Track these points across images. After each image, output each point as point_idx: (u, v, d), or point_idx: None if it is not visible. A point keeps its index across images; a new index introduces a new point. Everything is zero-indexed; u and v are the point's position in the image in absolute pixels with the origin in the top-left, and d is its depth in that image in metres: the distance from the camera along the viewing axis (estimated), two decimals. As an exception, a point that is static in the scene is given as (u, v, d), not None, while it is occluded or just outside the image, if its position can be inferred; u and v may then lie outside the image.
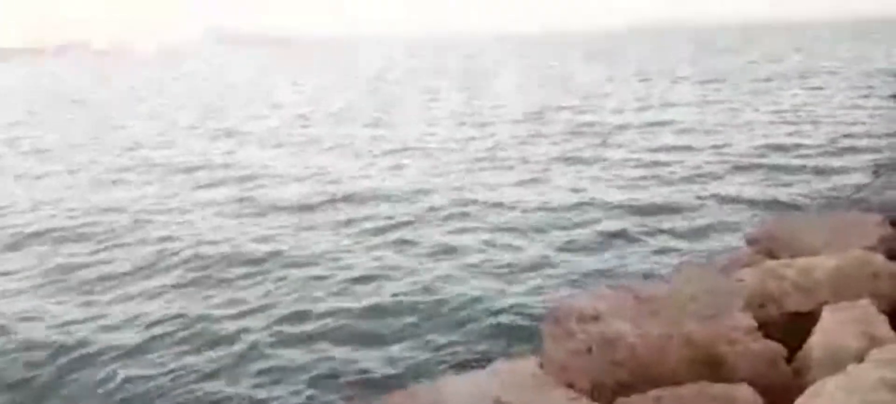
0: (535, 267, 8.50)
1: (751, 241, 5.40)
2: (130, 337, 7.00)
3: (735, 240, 8.36)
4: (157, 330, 7.14)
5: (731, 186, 11.97)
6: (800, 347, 3.52)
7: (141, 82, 59.13)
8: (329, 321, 7.17)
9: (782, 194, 11.29)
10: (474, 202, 11.66)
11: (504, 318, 6.97)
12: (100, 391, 6.07)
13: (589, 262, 8.62)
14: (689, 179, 12.60)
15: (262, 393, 5.89)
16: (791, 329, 3.69)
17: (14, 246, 10.69)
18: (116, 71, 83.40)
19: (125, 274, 9.03)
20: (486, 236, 9.78)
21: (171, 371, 6.28)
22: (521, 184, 13.07)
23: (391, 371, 6.05)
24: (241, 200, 12.72)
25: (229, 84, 51.74)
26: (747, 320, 3.66)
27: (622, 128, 19.05)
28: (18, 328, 7.37)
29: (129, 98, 41.73)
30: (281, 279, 8.40)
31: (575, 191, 12.29)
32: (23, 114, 34.16)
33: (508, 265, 8.58)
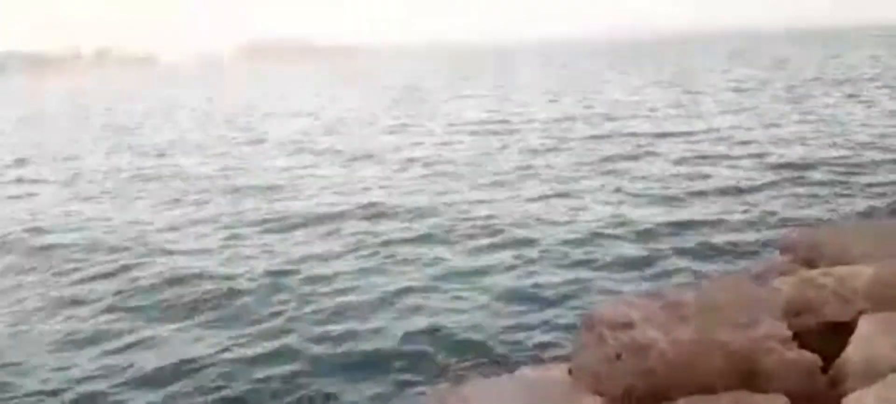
0: (566, 277, 8.43)
1: (787, 249, 5.29)
2: (143, 358, 6.88)
3: (771, 249, 8.20)
4: (173, 355, 6.94)
5: (768, 195, 11.74)
6: (837, 357, 3.44)
7: (179, 93, 60.25)
8: (354, 327, 7.21)
9: (821, 203, 11.05)
10: (504, 213, 11.63)
11: (534, 326, 6.94)
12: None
13: (621, 272, 8.53)
14: (724, 189, 12.38)
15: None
16: (828, 338, 3.61)
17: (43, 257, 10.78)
18: (155, 81, 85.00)
19: (135, 289, 8.91)
20: (515, 247, 9.73)
21: (185, 393, 6.20)
22: (551, 193, 13.01)
23: (419, 376, 6.06)
24: (260, 211, 12.75)
25: (263, 94, 52.49)
26: (782, 329, 3.59)
27: (656, 136, 18.84)
28: (31, 343, 7.34)
29: (165, 109, 42.52)
30: (304, 293, 8.39)
31: (606, 201, 12.19)
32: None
33: (538, 275, 8.53)
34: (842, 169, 13.35)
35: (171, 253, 10.38)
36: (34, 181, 17.91)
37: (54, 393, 6.28)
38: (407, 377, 6.05)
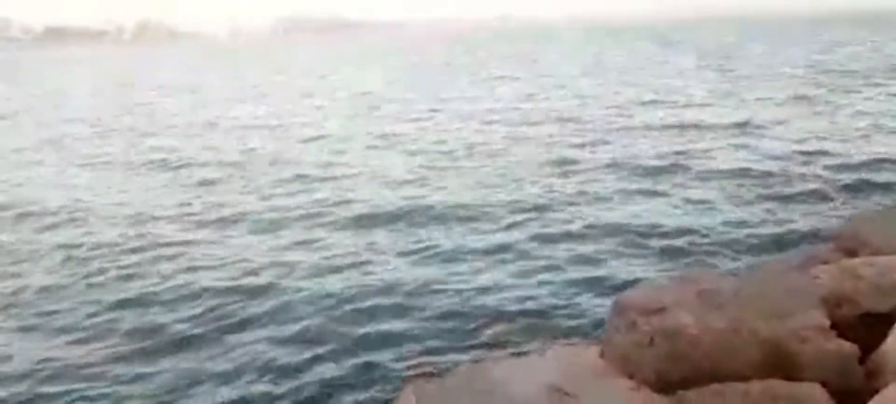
0: (600, 260, 8.38)
1: (831, 238, 5.20)
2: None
3: (818, 237, 8.01)
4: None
5: (819, 183, 11.37)
6: (876, 349, 3.38)
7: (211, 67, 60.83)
8: (386, 303, 7.29)
9: (873, 195, 10.67)
10: (545, 196, 11.57)
11: (566, 307, 6.94)
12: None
13: (657, 256, 8.43)
14: (772, 176, 12.03)
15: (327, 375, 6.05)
16: (867, 330, 3.54)
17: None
18: (194, 56, 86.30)
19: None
20: (551, 228, 9.69)
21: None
22: (587, 177, 12.88)
23: (450, 354, 6.11)
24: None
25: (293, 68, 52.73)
26: (821, 319, 3.53)
27: (700, 121, 18.39)
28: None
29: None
30: (341, 273, 8.49)
31: (644, 185, 12.03)
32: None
33: (573, 255, 8.50)
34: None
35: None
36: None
37: None
38: (438, 355, 6.11)
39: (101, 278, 8.64)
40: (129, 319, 7.36)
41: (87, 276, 8.70)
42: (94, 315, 7.53)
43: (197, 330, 7.01)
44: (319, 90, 34.05)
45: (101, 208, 12.20)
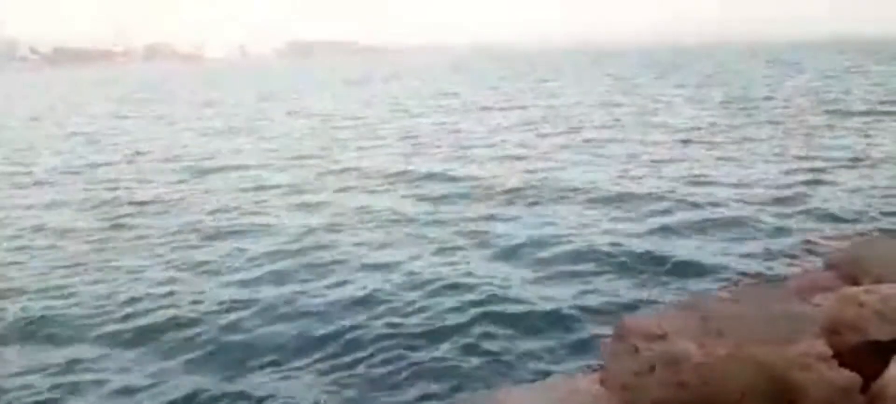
0: (600, 285, 8.32)
1: (831, 265, 5.17)
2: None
3: (817, 264, 7.94)
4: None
5: (818, 207, 11.31)
6: (877, 378, 3.36)
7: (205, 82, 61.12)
8: (381, 334, 7.20)
9: (870, 224, 10.61)
10: (530, 218, 11.54)
11: (564, 335, 6.88)
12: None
13: (656, 282, 8.37)
14: (770, 200, 11.97)
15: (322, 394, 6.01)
16: (869, 358, 3.52)
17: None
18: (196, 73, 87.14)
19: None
20: (545, 254, 9.60)
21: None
22: (585, 194, 12.86)
23: (448, 382, 6.05)
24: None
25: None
26: (821, 346, 3.51)
27: (700, 132, 18.41)
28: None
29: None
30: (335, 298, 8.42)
31: (645, 202, 12.01)
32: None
33: (571, 282, 8.43)
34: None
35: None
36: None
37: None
38: (436, 386, 6.03)
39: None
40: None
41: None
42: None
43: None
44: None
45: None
